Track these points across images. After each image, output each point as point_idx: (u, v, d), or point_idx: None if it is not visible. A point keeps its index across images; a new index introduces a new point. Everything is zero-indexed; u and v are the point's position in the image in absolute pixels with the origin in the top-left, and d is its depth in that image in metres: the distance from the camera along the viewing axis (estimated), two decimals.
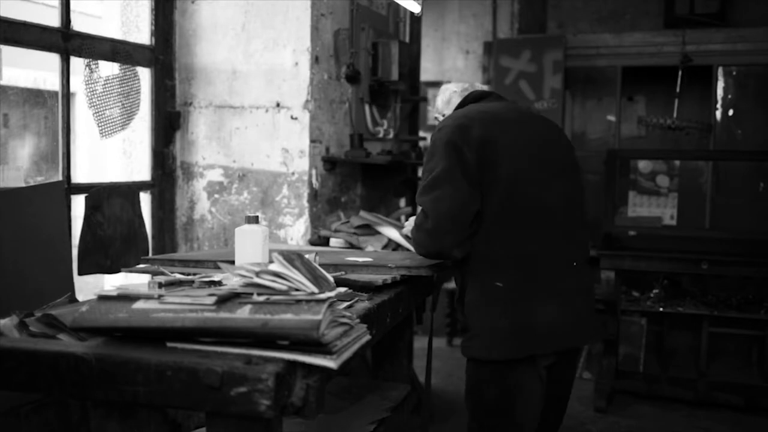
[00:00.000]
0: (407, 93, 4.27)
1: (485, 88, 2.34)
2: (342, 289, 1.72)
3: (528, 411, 2.03)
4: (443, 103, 2.34)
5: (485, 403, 2.05)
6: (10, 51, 2.78)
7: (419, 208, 2.05)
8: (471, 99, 2.24)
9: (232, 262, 1.86)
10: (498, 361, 1.99)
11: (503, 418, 2.03)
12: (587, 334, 2.16)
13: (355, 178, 3.75)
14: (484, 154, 1.98)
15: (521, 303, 1.98)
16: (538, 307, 1.98)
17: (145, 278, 2.22)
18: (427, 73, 6.32)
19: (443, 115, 2.29)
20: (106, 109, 3.02)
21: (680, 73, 5.31)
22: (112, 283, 3.08)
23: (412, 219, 2.21)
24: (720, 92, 5.77)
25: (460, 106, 2.25)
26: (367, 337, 1.49)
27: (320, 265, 1.72)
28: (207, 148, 3.37)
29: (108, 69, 3.02)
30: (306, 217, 3.22)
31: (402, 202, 4.49)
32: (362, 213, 3.00)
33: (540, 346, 2.00)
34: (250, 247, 1.87)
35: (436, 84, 6.77)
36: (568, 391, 2.21)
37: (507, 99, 2.32)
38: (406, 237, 2.58)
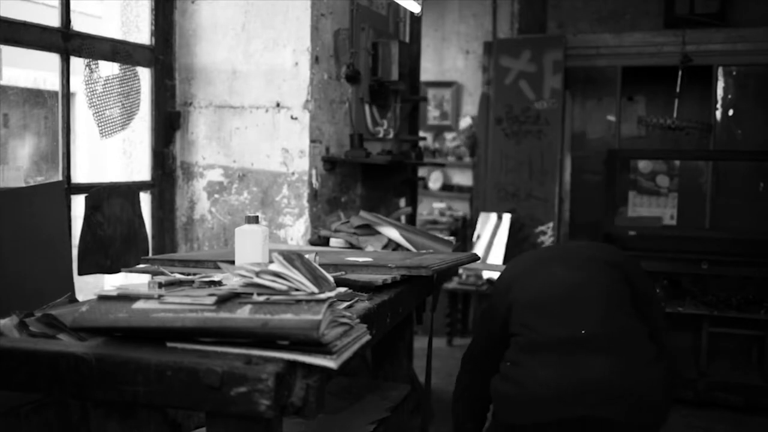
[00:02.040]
0: (407, 93, 4.27)
1: None
2: (342, 289, 1.72)
3: None
4: None
5: None
6: (10, 51, 2.77)
7: None
8: None
9: (232, 262, 1.86)
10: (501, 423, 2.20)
11: None
12: (588, 406, 2.02)
13: (355, 178, 3.75)
14: (511, 291, 2.32)
15: (520, 373, 2.15)
16: (532, 375, 2.11)
17: (145, 278, 2.22)
18: (427, 73, 6.33)
19: None
20: (106, 109, 3.02)
21: (680, 73, 5.31)
22: (112, 283, 3.07)
23: None
24: (720, 92, 5.77)
25: None
26: (367, 337, 1.49)
27: (320, 265, 1.72)
28: (207, 148, 3.37)
29: (108, 69, 3.02)
30: (306, 217, 3.22)
31: (402, 202, 4.49)
32: (362, 213, 3.00)
33: (528, 415, 2.09)
34: (250, 247, 1.87)
35: (436, 84, 6.79)
36: None
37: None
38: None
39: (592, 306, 2.19)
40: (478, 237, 5.82)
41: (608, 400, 2.01)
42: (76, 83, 2.83)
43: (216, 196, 3.37)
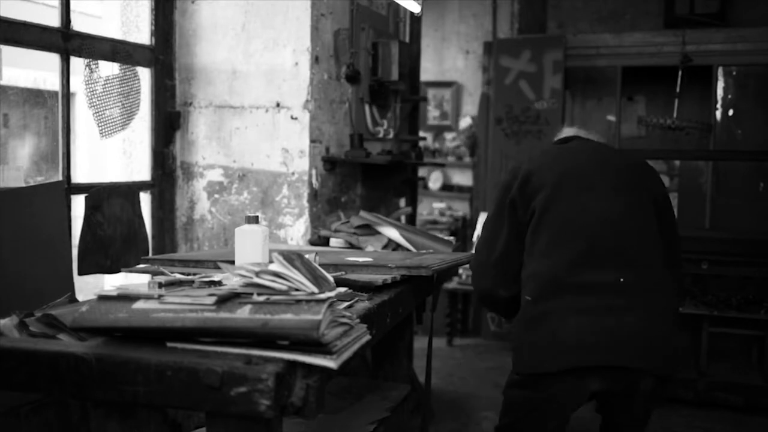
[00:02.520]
0: (407, 93, 4.27)
1: (582, 133, 2.36)
2: (342, 289, 1.72)
3: (550, 425, 2.07)
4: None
5: (511, 407, 2.13)
6: (10, 51, 2.78)
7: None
8: (557, 141, 2.38)
9: (232, 262, 1.86)
10: (526, 374, 2.04)
11: (525, 424, 2.10)
12: (641, 357, 1.94)
13: (355, 178, 3.75)
14: (526, 186, 2.09)
15: (542, 318, 1.97)
16: (562, 321, 1.93)
17: (145, 278, 2.22)
18: (427, 73, 6.32)
19: None
20: (106, 109, 3.01)
21: (680, 73, 5.31)
22: (112, 283, 3.07)
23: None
24: (720, 92, 5.76)
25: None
26: (367, 337, 1.49)
27: (320, 265, 1.72)
28: (207, 148, 3.37)
29: (108, 69, 3.02)
30: (306, 217, 3.22)
31: (402, 202, 4.49)
32: (362, 213, 3.00)
33: (559, 363, 1.93)
34: (250, 247, 1.88)
35: (436, 84, 6.79)
36: (637, 421, 2.11)
37: (593, 140, 2.32)
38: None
39: (630, 248, 2.02)
40: (478, 237, 5.82)
41: (643, 351, 1.95)
42: (76, 83, 2.83)
43: (216, 196, 3.37)
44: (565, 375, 1.94)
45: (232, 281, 1.51)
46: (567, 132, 2.39)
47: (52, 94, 2.85)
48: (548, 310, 1.96)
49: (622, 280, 1.96)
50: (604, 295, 1.95)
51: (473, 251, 2.31)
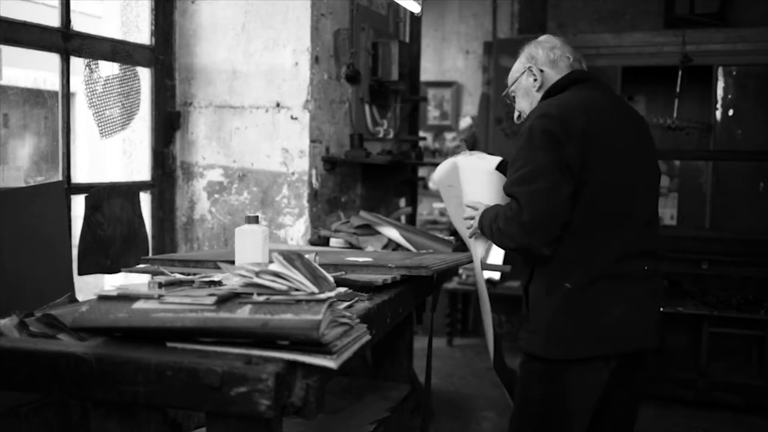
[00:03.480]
0: (407, 93, 4.27)
1: (584, 66, 2.14)
2: (342, 289, 1.72)
3: (577, 414, 1.98)
4: (548, 60, 2.11)
5: (532, 399, 2.01)
6: (10, 51, 2.78)
7: (508, 200, 1.96)
8: (572, 80, 2.06)
9: (232, 262, 1.86)
10: (554, 360, 1.95)
11: (549, 417, 1.99)
12: (652, 338, 2.04)
13: (355, 178, 3.75)
14: (585, 152, 1.88)
15: (586, 305, 1.93)
16: (605, 308, 1.93)
17: (145, 278, 2.22)
18: (427, 73, 6.33)
19: (541, 71, 2.10)
20: (106, 109, 3.02)
21: (680, 73, 5.31)
22: (112, 283, 3.07)
23: (470, 211, 2.15)
24: (720, 92, 5.76)
25: (561, 83, 2.06)
26: (367, 337, 1.49)
27: (320, 265, 1.72)
28: (207, 148, 3.37)
29: (108, 69, 3.02)
30: (306, 217, 3.22)
31: (402, 202, 4.49)
32: (362, 213, 3.00)
33: (598, 348, 1.94)
34: (250, 247, 1.88)
35: (436, 84, 6.79)
36: (637, 396, 2.13)
37: (604, 84, 2.14)
38: (476, 238, 2.27)
39: (653, 235, 2.04)
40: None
41: (654, 331, 2.03)
42: (76, 83, 2.83)
43: (216, 196, 3.37)
44: (596, 360, 1.95)
45: (232, 281, 1.51)
46: (572, 64, 2.11)
47: (52, 94, 2.85)
48: (591, 297, 1.93)
49: (646, 268, 1.99)
50: (638, 283, 1.99)
51: (510, 202, 1.93)
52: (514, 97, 2.20)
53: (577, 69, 2.09)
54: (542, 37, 2.17)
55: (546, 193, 1.86)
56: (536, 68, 2.11)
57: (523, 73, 2.14)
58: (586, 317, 1.92)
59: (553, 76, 2.09)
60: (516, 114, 2.23)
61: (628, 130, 2.02)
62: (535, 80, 2.10)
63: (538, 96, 2.10)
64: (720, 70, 5.70)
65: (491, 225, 2.00)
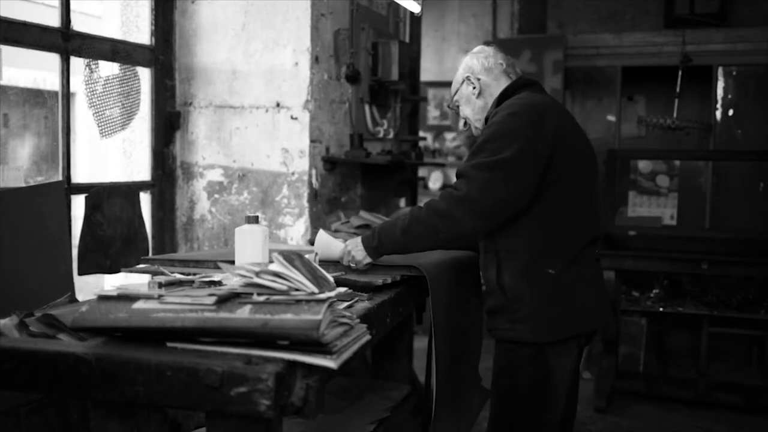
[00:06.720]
0: (407, 93, 4.27)
1: (518, 70, 2.26)
2: (342, 289, 1.72)
3: (562, 393, 2.08)
4: (483, 69, 2.20)
5: (521, 384, 2.07)
6: (10, 51, 2.78)
7: (458, 180, 2.03)
8: (522, 84, 2.17)
9: (232, 262, 1.86)
10: (542, 344, 2.02)
11: (537, 401, 2.06)
12: (609, 316, 2.28)
13: (355, 178, 3.75)
14: (555, 150, 2.00)
15: (566, 288, 2.04)
16: (578, 291, 2.06)
17: (145, 278, 2.22)
18: (427, 73, 6.33)
19: (478, 80, 2.19)
20: (106, 109, 3.02)
21: (680, 73, 5.31)
22: (112, 283, 3.07)
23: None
24: (720, 92, 5.76)
25: (513, 86, 2.16)
26: (367, 337, 1.49)
27: (320, 265, 1.72)
28: (207, 148, 3.37)
29: (108, 69, 3.02)
30: (306, 217, 3.22)
31: (402, 202, 4.49)
32: (362, 213, 3.00)
33: (579, 326, 2.09)
34: (250, 247, 1.88)
35: (436, 84, 6.79)
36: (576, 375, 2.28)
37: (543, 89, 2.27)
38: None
39: (599, 220, 2.26)
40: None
41: (610, 310, 2.28)
42: (76, 83, 2.83)
43: (216, 196, 3.37)
44: (579, 339, 2.10)
45: (232, 281, 1.51)
46: (506, 69, 2.21)
47: (52, 94, 2.85)
48: (569, 281, 2.05)
49: (597, 252, 2.22)
50: (595, 267, 2.19)
51: (464, 183, 1.97)
52: (458, 106, 2.30)
53: (521, 75, 2.25)
54: (476, 48, 2.30)
55: (506, 186, 1.94)
56: (474, 77, 2.22)
57: (463, 82, 2.26)
58: (565, 300, 2.05)
59: (490, 82, 2.21)
60: (461, 121, 2.34)
61: (581, 131, 2.20)
62: (474, 88, 2.22)
63: (479, 102, 2.22)
64: (720, 70, 5.70)
65: (405, 220, 2.02)
